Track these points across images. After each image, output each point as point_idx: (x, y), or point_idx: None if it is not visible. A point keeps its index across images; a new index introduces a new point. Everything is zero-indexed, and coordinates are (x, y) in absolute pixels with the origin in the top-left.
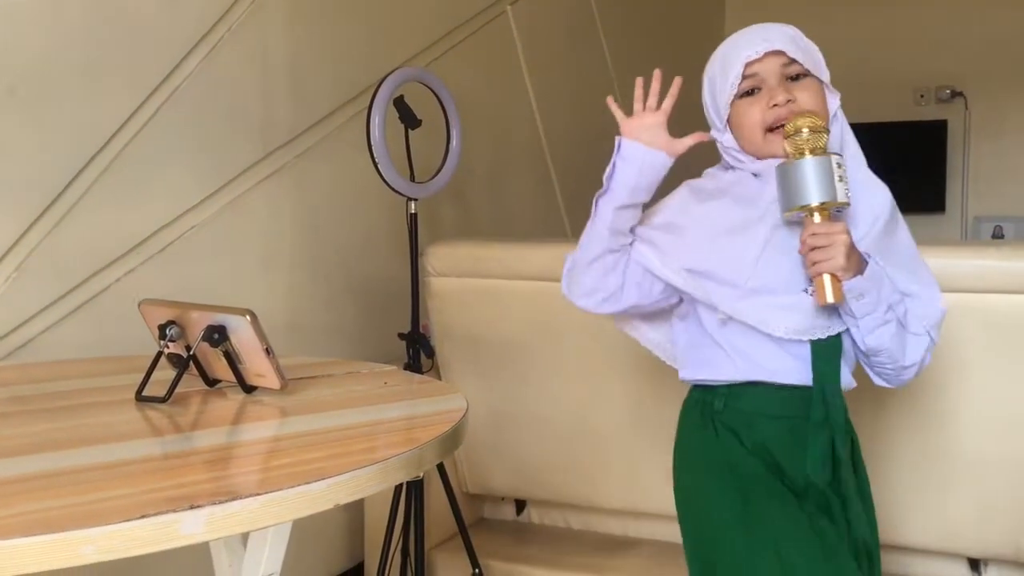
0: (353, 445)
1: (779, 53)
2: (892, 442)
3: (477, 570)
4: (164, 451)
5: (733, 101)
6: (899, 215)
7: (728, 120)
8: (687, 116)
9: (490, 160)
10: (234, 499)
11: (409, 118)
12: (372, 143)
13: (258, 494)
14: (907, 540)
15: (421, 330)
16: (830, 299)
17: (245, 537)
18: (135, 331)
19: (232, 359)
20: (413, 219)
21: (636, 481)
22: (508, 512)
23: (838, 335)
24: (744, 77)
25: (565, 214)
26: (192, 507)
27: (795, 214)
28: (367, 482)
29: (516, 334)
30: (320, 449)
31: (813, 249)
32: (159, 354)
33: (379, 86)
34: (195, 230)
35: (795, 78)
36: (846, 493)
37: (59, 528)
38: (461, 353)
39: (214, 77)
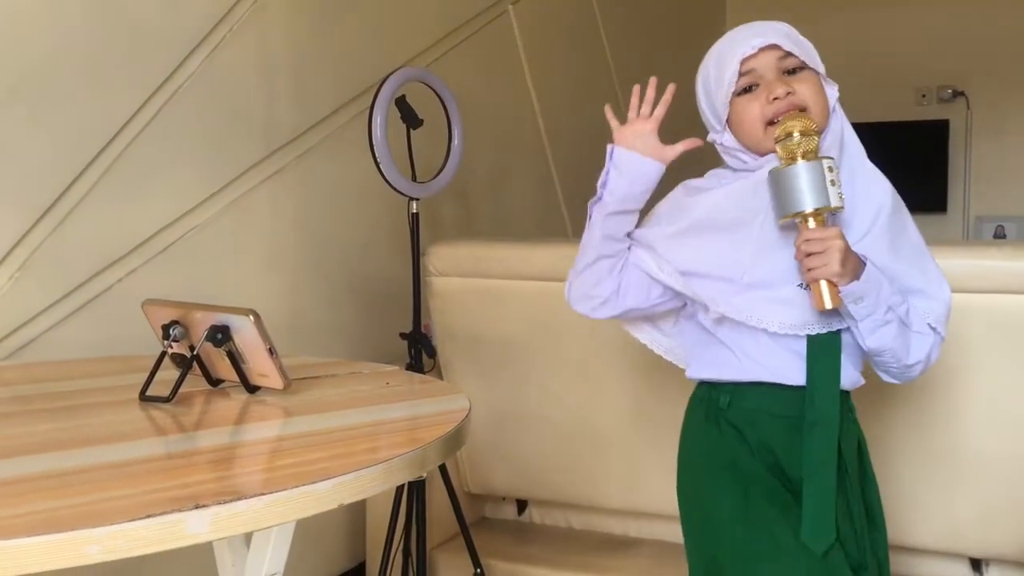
0: (356, 445)
1: (774, 47)
2: (894, 442)
3: (479, 570)
4: (168, 451)
5: (731, 99)
6: (904, 209)
7: (728, 119)
8: (689, 119)
9: (492, 160)
10: (239, 499)
11: (411, 118)
12: (374, 143)
13: (263, 494)
14: (909, 540)
15: (423, 330)
16: (828, 305)
17: (248, 537)
18: (137, 331)
19: (235, 359)
20: (415, 219)
21: (637, 481)
22: (509, 512)
23: (837, 332)
24: (741, 74)
25: (566, 214)
26: (197, 507)
27: (790, 220)
28: (371, 482)
29: (518, 334)
30: (323, 449)
31: (808, 255)
32: (163, 354)
33: (381, 86)
34: (197, 230)
35: (792, 71)
36: (848, 498)
37: (64, 528)
38: (463, 353)
39: (216, 77)
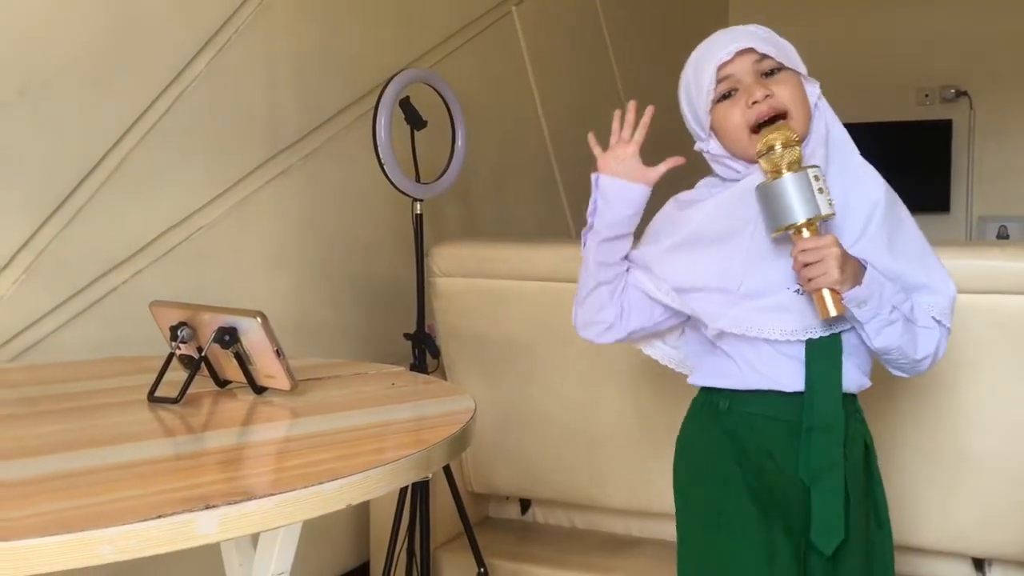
0: (362, 446)
1: (749, 51)
2: (897, 442)
3: (482, 569)
4: (176, 452)
5: (712, 107)
6: (900, 203)
7: (712, 127)
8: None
9: (495, 161)
10: (249, 499)
11: (415, 119)
12: (378, 144)
13: (272, 495)
14: (912, 540)
15: (426, 330)
16: (832, 312)
17: (255, 537)
18: (143, 332)
19: (243, 360)
20: (419, 220)
21: (640, 481)
22: (513, 511)
23: (837, 334)
24: (719, 81)
25: (569, 215)
26: (207, 507)
27: (783, 234)
28: (378, 483)
29: (521, 334)
30: (330, 450)
31: (806, 266)
32: (171, 355)
33: (385, 87)
34: (202, 231)
35: (770, 73)
36: (852, 499)
37: (76, 528)
38: (466, 353)
39: (221, 78)
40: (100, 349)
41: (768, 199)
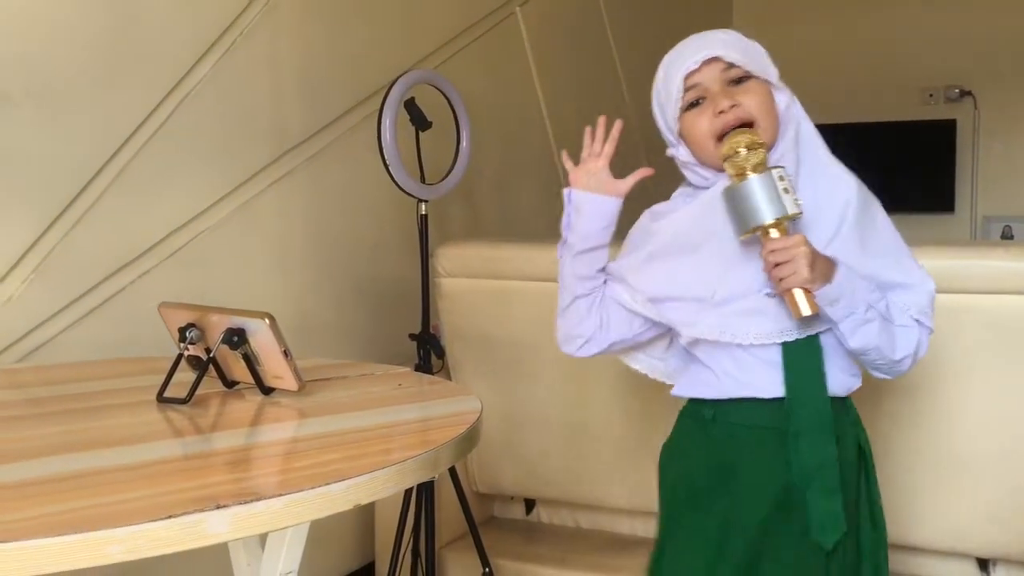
0: (370, 447)
1: (716, 60)
2: (901, 442)
3: (487, 569)
4: (185, 452)
5: (680, 115)
6: (874, 203)
7: (680, 134)
8: None
9: (499, 161)
10: (258, 499)
11: (420, 120)
12: (383, 145)
13: (281, 495)
14: (916, 540)
15: (431, 331)
16: (805, 312)
17: (263, 538)
18: (150, 333)
19: (251, 361)
20: (423, 220)
21: (645, 481)
22: (518, 511)
23: (815, 336)
24: (686, 89)
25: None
26: (218, 507)
27: (751, 236)
28: (385, 483)
29: (526, 334)
30: (338, 451)
31: (776, 266)
32: (179, 356)
33: (390, 88)
34: (208, 232)
35: (738, 81)
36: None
37: (86, 528)
38: (471, 353)
39: (227, 80)
40: (107, 350)
41: (735, 201)
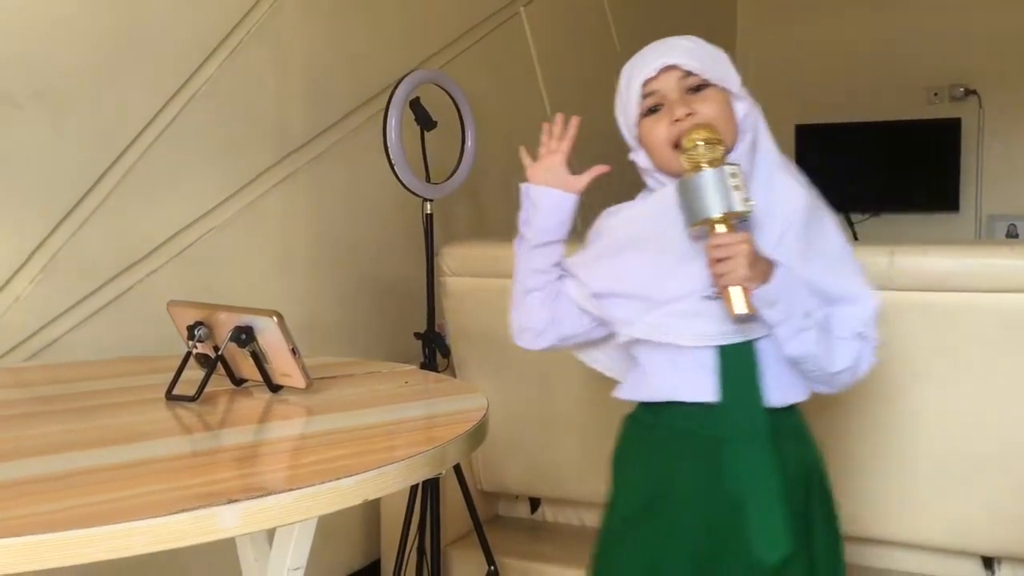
0: (377, 443)
1: (674, 68)
2: (906, 440)
3: (492, 567)
4: (194, 449)
5: (639, 120)
6: (825, 215)
7: (639, 140)
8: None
9: (504, 161)
10: (268, 494)
11: (425, 120)
12: (388, 145)
13: (290, 490)
14: (921, 538)
15: (437, 330)
16: (740, 310)
17: (271, 533)
18: (158, 331)
19: (259, 359)
20: (429, 220)
21: None
22: (523, 510)
23: (750, 341)
24: (644, 96)
25: (576, 214)
26: (229, 502)
27: (699, 228)
28: (393, 479)
29: None
30: (345, 447)
31: (717, 261)
32: (188, 354)
33: (395, 88)
34: (214, 232)
35: (696, 89)
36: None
37: (97, 523)
38: (476, 352)
39: (233, 81)
40: (115, 348)
41: (686, 193)
